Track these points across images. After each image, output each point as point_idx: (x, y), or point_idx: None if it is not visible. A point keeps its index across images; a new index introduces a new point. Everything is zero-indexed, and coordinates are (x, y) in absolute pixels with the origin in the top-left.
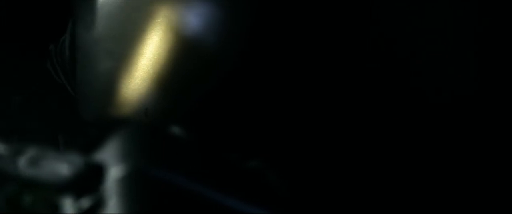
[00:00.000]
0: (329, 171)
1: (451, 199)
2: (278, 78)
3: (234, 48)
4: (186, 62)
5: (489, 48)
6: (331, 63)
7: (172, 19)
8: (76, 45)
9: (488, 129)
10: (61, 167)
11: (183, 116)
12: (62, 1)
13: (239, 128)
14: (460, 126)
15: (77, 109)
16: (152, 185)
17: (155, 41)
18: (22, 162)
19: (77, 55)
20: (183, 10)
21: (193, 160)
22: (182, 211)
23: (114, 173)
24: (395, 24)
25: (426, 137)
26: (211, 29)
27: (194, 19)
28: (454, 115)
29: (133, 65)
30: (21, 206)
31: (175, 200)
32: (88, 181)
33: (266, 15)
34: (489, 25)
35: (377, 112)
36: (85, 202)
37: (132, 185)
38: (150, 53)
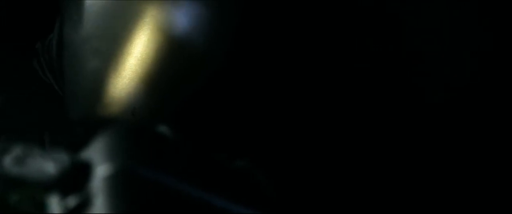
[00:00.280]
0: (320, 171)
1: (449, 199)
2: (266, 78)
3: (222, 48)
4: (173, 62)
5: (488, 49)
6: (320, 62)
7: (160, 19)
8: (63, 44)
9: (487, 129)
10: (47, 165)
11: (171, 116)
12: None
13: (226, 128)
14: (458, 126)
15: (64, 108)
16: (138, 184)
17: (142, 40)
18: (8, 161)
19: (64, 54)
20: (171, 9)
21: (180, 159)
22: (169, 211)
23: (101, 171)
24: (391, 23)
25: (422, 137)
26: (199, 29)
27: (182, 19)
28: (452, 115)
29: (120, 65)
30: (8, 205)
31: (162, 200)
32: (75, 179)
33: (254, 15)
34: (488, 26)
35: (368, 111)
36: (71, 201)
37: (119, 184)
38: (138, 52)
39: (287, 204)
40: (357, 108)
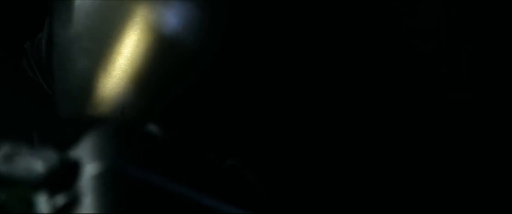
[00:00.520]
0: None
1: (446, 199)
2: (257, 77)
3: (212, 47)
4: (163, 61)
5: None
6: (314, 62)
7: (150, 18)
8: (52, 43)
9: (484, 129)
10: (35, 163)
11: (160, 115)
12: None
13: (216, 127)
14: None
15: (54, 107)
16: (127, 183)
17: (132, 40)
18: None
19: (54, 53)
20: (161, 9)
21: (170, 158)
22: (158, 210)
23: (89, 170)
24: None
25: (419, 137)
26: (189, 28)
27: (172, 18)
28: (449, 115)
29: (110, 64)
30: None
31: (151, 199)
32: (63, 178)
33: (245, 15)
34: (485, 26)
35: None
36: (60, 200)
37: (107, 183)
38: (128, 52)
39: (278, 203)
40: (352, 108)
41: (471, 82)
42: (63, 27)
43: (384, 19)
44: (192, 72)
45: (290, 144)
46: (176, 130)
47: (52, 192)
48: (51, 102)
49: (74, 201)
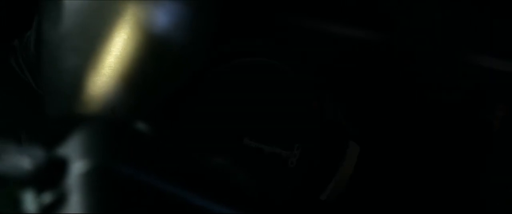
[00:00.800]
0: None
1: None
2: (247, 76)
3: (202, 46)
4: (153, 60)
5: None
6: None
7: (140, 17)
8: (41, 41)
9: (481, 129)
10: (23, 161)
11: (150, 113)
12: None
13: (207, 126)
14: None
15: (42, 105)
16: (115, 182)
17: (122, 38)
18: None
19: (43, 51)
20: (151, 8)
21: (159, 157)
22: (145, 208)
23: (77, 168)
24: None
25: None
26: (179, 27)
27: (162, 17)
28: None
29: (100, 62)
30: None
31: (139, 197)
32: (50, 175)
33: (234, 14)
34: (480, 25)
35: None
36: (47, 197)
37: (95, 181)
38: (118, 50)
39: (268, 203)
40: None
41: (466, 83)
42: (53, 25)
43: (380, 19)
44: (182, 71)
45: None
46: (165, 129)
47: (40, 190)
48: (39, 100)
49: (61, 199)
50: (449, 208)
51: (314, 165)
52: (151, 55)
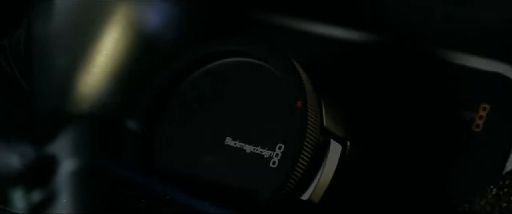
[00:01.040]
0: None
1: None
2: (237, 75)
3: (193, 46)
4: (144, 59)
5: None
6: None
7: (131, 16)
8: (32, 40)
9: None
10: (12, 158)
11: (140, 112)
12: None
13: (196, 125)
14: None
15: (32, 104)
16: (104, 180)
17: (113, 37)
18: None
19: (33, 50)
20: (142, 6)
21: (149, 156)
22: (134, 207)
23: (66, 166)
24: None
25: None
26: (170, 26)
27: (153, 16)
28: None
29: (90, 62)
30: None
31: (128, 195)
32: (40, 174)
33: (225, 12)
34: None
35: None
36: (36, 195)
37: (84, 179)
38: (108, 49)
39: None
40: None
41: (448, 82)
42: (43, 23)
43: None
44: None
45: None
46: (155, 127)
47: (29, 188)
48: (29, 99)
49: (50, 197)
50: (431, 207)
51: (296, 165)
52: (142, 54)
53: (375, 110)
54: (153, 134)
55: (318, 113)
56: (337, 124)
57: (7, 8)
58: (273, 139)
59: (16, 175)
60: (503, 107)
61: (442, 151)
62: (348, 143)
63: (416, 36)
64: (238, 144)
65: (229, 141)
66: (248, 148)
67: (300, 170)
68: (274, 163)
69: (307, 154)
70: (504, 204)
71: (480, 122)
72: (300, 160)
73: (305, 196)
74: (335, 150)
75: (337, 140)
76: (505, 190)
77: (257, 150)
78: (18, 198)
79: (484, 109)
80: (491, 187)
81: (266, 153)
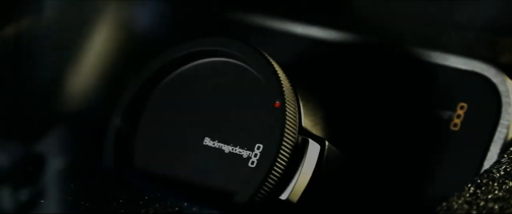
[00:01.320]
0: None
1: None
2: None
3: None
4: (134, 58)
5: None
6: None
7: (121, 15)
8: (21, 38)
9: None
10: (1, 157)
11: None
12: None
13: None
14: None
15: (21, 102)
16: (93, 179)
17: (103, 36)
18: None
19: (22, 48)
20: (132, 5)
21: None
22: (122, 205)
23: (55, 165)
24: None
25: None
26: (160, 26)
27: (143, 15)
28: None
29: (80, 60)
30: None
31: (115, 194)
32: (28, 172)
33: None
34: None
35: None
36: (24, 194)
37: (73, 178)
38: (98, 48)
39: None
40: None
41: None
42: (33, 22)
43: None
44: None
45: None
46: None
47: (17, 186)
48: (18, 97)
49: (38, 195)
50: (409, 207)
51: (274, 164)
52: (132, 53)
53: (354, 110)
54: (132, 135)
55: (296, 113)
56: (315, 123)
57: None
58: (251, 139)
59: (4, 173)
60: (481, 106)
61: (420, 149)
62: (327, 143)
63: (394, 36)
64: (216, 144)
65: (207, 141)
66: (227, 148)
67: (279, 170)
68: (252, 163)
69: (285, 154)
70: (482, 203)
71: (458, 121)
72: (278, 159)
73: (283, 196)
74: (313, 149)
75: (316, 139)
76: (483, 188)
77: (235, 150)
78: (6, 197)
79: (462, 108)
80: (469, 185)
81: (245, 153)
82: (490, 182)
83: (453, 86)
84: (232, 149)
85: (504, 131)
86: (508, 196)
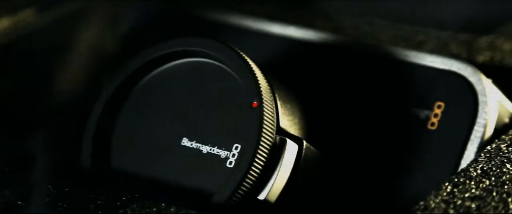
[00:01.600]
0: None
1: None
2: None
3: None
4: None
5: None
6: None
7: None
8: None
9: None
10: None
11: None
12: None
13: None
14: None
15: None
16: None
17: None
18: None
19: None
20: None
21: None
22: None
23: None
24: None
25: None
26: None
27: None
28: None
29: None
30: None
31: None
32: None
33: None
34: None
35: None
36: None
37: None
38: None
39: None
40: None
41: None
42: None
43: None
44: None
45: None
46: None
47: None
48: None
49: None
50: (387, 206)
51: (252, 164)
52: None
53: (332, 109)
54: (110, 135)
55: (274, 113)
56: (293, 123)
57: None
58: (229, 139)
59: None
60: (458, 105)
61: (398, 149)
62: (305, 143)
63: (371, 35)
64: (194, 145)
65: (185, 142)
66: (205, 149)
67: (256, 170)
68: (230, 163)
69: (263, 154)
70: (459, 202)
71: (435, 120)
72: (256, 160)
73: (261, 196)
74: (291, 149)
75: (293, 139)
76: (460, 187)
77: (213, 150)
78: None
79: (439, 106)
80: (446, 184)
81: (223, 153)
82: (467, 181)
83: (430, 85)
84: (210, 149)
85: (481, 129)
86: (485, 194)
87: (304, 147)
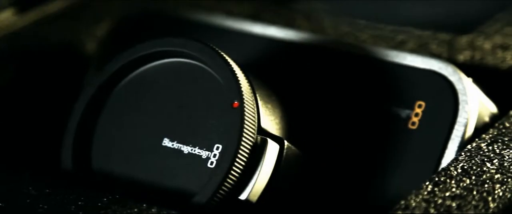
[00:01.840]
0: None
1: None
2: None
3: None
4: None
5: None
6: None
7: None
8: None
9: None
10: None
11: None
12: None
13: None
14: None
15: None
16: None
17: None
18: None
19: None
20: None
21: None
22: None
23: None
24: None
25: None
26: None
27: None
28: None
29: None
30: None
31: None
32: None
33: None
34: None
35: None
36: None
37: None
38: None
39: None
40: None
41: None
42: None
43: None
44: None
45: None
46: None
47: None
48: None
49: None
50: (367, 205)
51: (233, 165)
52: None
53: (313, 109)
54: (90, 136)
55: (255, 113)
56: (274, 123)
57: None
58: (210, 139)
59: None
60: (438, 104)
61: (378, 148)
62: (286, 142)
63: (351, 35)
64: (175, 145)
65: (166, 142)
66: (186, 149)
67: (238, 170)
68: (212, 163)
69: (244, 154)
70: (440, 201)
71: (416, 119)
72: (237, 160)
73: (243, 196)
74: (272, 149)
75: (275, 139)
76: (441, 186)
77: (194, 150)
78: None
79: (420, 106)
80: (427, 184)
81: (204, 154)
82: (448, 180)
83: (411, 85)
84: (191, 150)
85: (461, 128)
86: (465, 193)
87: (285, 146)
